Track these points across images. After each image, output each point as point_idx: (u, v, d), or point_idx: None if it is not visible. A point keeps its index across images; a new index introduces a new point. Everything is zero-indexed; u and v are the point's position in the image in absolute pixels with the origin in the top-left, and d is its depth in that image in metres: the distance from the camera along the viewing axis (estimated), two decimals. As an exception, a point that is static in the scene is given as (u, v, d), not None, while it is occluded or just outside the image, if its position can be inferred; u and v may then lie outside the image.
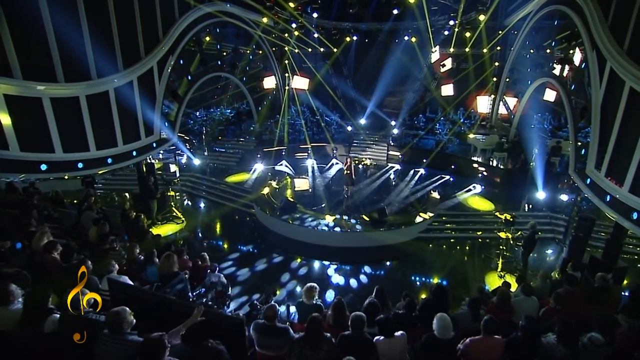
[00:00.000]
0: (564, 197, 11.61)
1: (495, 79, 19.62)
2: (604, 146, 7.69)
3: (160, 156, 16.81)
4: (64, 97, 9.32)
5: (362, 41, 21.15)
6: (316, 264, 9.47)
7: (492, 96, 19.78)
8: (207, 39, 21.51)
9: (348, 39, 21.13)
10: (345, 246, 10.14)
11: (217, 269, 7.15)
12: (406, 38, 19.73)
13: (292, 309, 5.92)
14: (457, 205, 12.53)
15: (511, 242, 8.65)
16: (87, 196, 9.34)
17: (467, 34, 18.40)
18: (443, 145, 16.79)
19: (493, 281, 8.57)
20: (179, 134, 20.21)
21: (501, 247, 8.96)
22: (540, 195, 11.99)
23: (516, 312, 4.89)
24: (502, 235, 8.95)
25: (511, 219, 8.64)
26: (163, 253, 6.32)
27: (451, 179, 15.07)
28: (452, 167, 15.90)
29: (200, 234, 11.33)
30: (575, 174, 9.21)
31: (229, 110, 22.91)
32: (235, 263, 9.38)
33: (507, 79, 18.44)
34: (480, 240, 10.80)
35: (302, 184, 13.17)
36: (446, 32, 18.65)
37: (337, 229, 10.35)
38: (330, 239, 10.27)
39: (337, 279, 8.76)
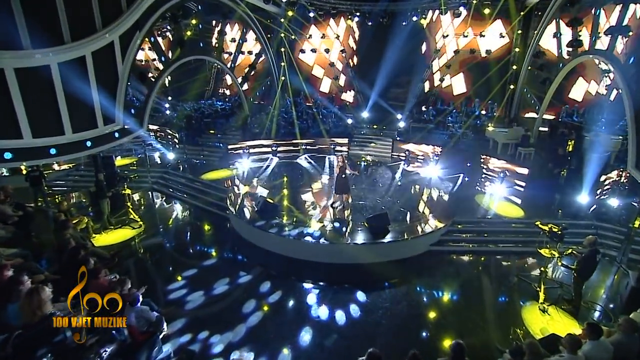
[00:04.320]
0: (614, 202, 9.17)
1: (515, 67, 17.23)
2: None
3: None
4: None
5: (364, 24, 18.80)
6: (294, 287, 7.17)
7: (512, 86, 17.43)
8: (194, 21, 19.59)
9: (349, 21, 18.85)
10: (334, 262, 7.86)
11: (139, 299, 4.92)
12: (415, 19, 17.38)
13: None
14: (476, 209, 10.17)
15: (559, 263, 6.31)
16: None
17: (486, 11, 15.97)
18: (457, 139, 14.40)
19: (533, 319, 6.21)
20: (158, 126, 18.46)
21: (542, 268, 6.60)
22: (584, 199, 9.57)
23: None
24: (545, 252, 6.59)
25: (559, 231, 6.27)
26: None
27: (466, 178, 12.74)
28: (468, 164, 13.53)
29: (155, 243, 9.12)
30: (637, 171, 6.94)
31: (220, 103, 20.93)
32: (188, 283, 7.13)
33: (529, 67, 16.01)
34: (510, 256, 8.42)
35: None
36: (461, 9, 16.21)
37: (324, 240, 8.03)
38: (315, 253, 7.99)
39: (320, 310, 6.46)
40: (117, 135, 10.94)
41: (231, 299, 6.71)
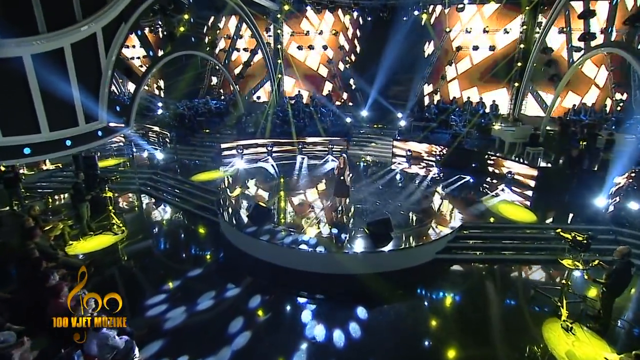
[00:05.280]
0: (635, 206, 8.50)
1: (519, 64, 16.58)
2: None
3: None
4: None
5: (363, 19, 18.11)
6: (287, 302, 6.45)
7: (516, 84, 16.78)
8: (186, 16, 18.82)
9: (347, 16, 18.15)
10: (332, 273, 7.13)
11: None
12: (416, 13, 16.70)
13: None
14: (484, 213, 9.48)
15: (586, 276, 5.62)
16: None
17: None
18: (461, 139, 13.71)
19: (556, 338, 5.50)
20: (149, 125, 17.74)
21: (564, 281, 5.91)
22: (601, 202, 8.89)
23: None
24: (568, 263, 5.89)
25: (584, 240, 5.57)
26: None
27: (471, 180, 12.09)
28: (473, 165, 12.87)
29: (138, 250, 8.37)
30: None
31: (215, 102, 20.21)
32: (169, 297, 6.40)
33: (535, 64, 15.35)
34: (523, 266, 7.73)
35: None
36: (465, 1, 15.54)
37: (321, 248, 7.30)
38: (311, 263, 7.27)
39: (316, 329, 5.73)
40: (100, 134, 10.25)
41: (216, 316, 5.98)
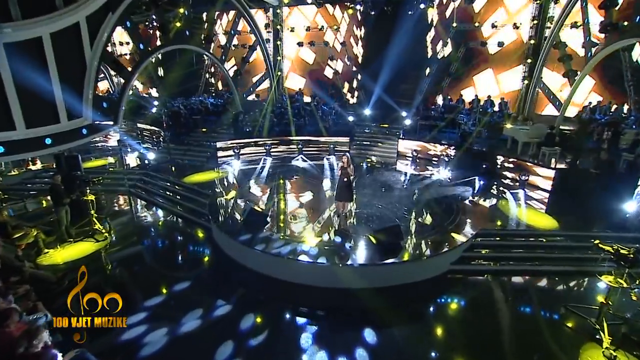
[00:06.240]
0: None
1: (529, 61, 15.78)
2: None
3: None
4: None
5: (367, 13, 17.31)
6: (283, 321, 5.66)
7: (526, 81, 15.99)
8: (181, 10, 18.09)
9: (350, 10, 17.39)
10: (335, 287, 6.33)
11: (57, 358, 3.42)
12: (422, 6, 15.92)
13: None
14: (500, 219, 8.69)
15: (634, 296, 4.82)
16: None
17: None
18: (471, 138, 12.92)
19: (597, 368, 4.71)
20: (141, 124, 16.98)
21: (604, 300, 5.12)
22: (631, 206, 8.10)
23: None
24: (609, 280, 5.09)
25: (630, 254, 4.78)
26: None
27: (482, 182, 11.30)
28: (484, 166, 12.06)
29: (120, 259, 7.57)
30: None
31: (212, 100, 19.49)
32: (150, 316, 5.60)
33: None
34: (550, 278, 6.92)
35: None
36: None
37: (322, 260, 6.51)
38: (311, 275, 6.47)
39: (317, 357, 4.93)
40: (85, 132, 9.51)
41: (202, 340, 5.18)
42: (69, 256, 7.55)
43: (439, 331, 5.57)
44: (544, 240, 7.87)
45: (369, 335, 5.32)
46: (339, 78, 18.88)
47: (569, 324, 5.60)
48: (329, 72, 19.12)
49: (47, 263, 7.14)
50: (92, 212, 8.42)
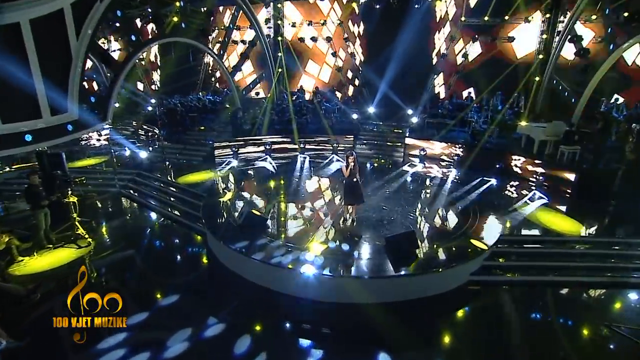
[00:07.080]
0: None
1: (541, 57, 15.08)
2: None
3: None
4: None
5: (371, 6, 16.61)
6: (284, 342, 4.91)
7: (537, 78, 15.28)
8: (177, 4, 17.34)
9: (354, 4, 16.68)
10: (341, 302, 5.59)
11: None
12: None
13: None
14: (522, 223, 7.94)
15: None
16: None
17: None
18: (482, 137, 12.18)
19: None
20: (136, 121, 16.28)
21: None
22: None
23: None
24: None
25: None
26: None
27: (496, 183, 10.59)
28: (497, 165, 11.34)
29: (103, 267, 6.83)
30: None
31: (210, 96, 18.76)
32: (131, 337, 4.85)
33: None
34: (582, 291, 6.17)
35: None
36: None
37: (327, 271, 5.75)
38: (315, 289, 5.71)
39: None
40: (70, 128, 8.80)
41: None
42: (47, 264, 6.82)
43: (461, 351, 4.81)
44: (578, 246, 7.11)
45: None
46: (342, 75, 18.15)
47: (615, 346, 4.85)
48: (332, 70, 18.40)
49: (20, 273, 6.41)
50: (75, 215, 7.69)
